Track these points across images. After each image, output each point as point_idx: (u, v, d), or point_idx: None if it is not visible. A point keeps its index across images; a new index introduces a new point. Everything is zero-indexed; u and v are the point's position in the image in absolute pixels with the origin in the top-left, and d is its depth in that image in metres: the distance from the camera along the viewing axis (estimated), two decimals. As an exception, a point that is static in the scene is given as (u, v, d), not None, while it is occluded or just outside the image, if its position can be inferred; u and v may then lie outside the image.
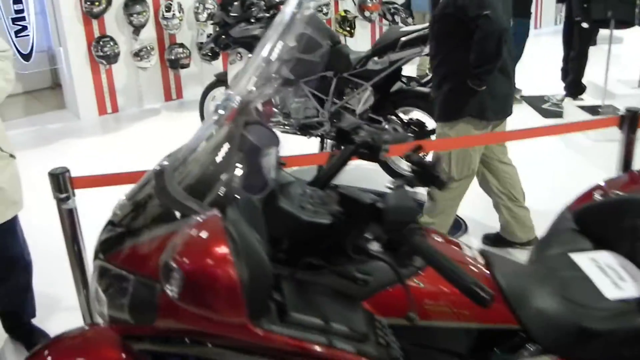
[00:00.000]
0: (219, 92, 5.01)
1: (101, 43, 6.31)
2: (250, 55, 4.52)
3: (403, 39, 4.05)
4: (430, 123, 4.15)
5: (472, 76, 3.04)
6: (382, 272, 1.42)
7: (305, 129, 4.47)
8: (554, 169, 4.71)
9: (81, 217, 2.51)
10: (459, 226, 3.81)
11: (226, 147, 1.43)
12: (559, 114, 5.95)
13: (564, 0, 6.42)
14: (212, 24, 5.09)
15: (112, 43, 6.35)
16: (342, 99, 4.31)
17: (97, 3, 6.18)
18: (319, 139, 4.55)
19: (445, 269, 1.25)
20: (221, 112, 1.48)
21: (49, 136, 6.07)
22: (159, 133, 6.02)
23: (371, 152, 1.71)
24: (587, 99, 6.17)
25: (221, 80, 4.97)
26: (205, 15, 6.80)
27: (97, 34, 6.36)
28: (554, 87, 6.57)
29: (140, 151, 5.35)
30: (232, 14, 4.44)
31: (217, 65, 7.00)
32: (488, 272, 1.62)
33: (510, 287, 1.60)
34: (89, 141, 5.90)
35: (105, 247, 1.44)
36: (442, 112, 3.27)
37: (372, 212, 1.33)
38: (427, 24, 3.79)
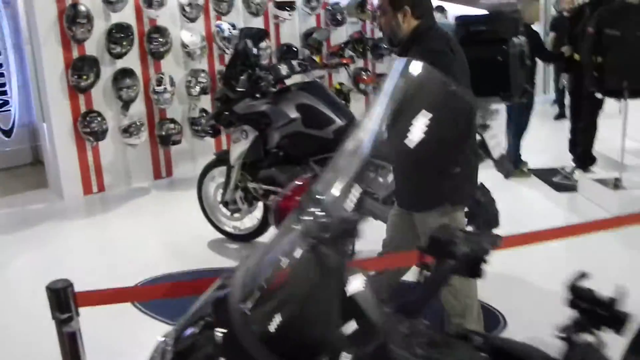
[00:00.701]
0: (219, 171, 4.64)
1: (88, 119, 5.96)
2: (256, 133, 4.18)
3: None
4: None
5: (444, 158, 2.65)
6: None
7: None
8: (591, 256, 3.83)
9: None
10: (497, 321, 3.41)
11: (321, 278, 1.04)
12: (572, 188, 5.67)
13: (568, 70, 6.28)
14: (214, 99, 4.77)
15: (99, 118, 5.99)
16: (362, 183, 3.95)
17: (84, 77, 5.86)
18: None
19: None
20: (307, 226, 1.08)
21: (29, 218, 5.57)
22: (149, 214, 5.61)
23: (470, 266, 1.35)
24: (598, 170, 5.97)
25: (221, 159, 4.59)
26: (197, 89, 6.54)
27: (83, 109, 6.01)
28: (559, 157, 6.37)
29: (131, 236, 4.94)
30: (238, 89, 4.11)
31: (209, 141, 6.70)
32: None
33: None
34: (74, 224, 5.41)
35: None
36: (412, 202, 2.84)
37: None
38: None
